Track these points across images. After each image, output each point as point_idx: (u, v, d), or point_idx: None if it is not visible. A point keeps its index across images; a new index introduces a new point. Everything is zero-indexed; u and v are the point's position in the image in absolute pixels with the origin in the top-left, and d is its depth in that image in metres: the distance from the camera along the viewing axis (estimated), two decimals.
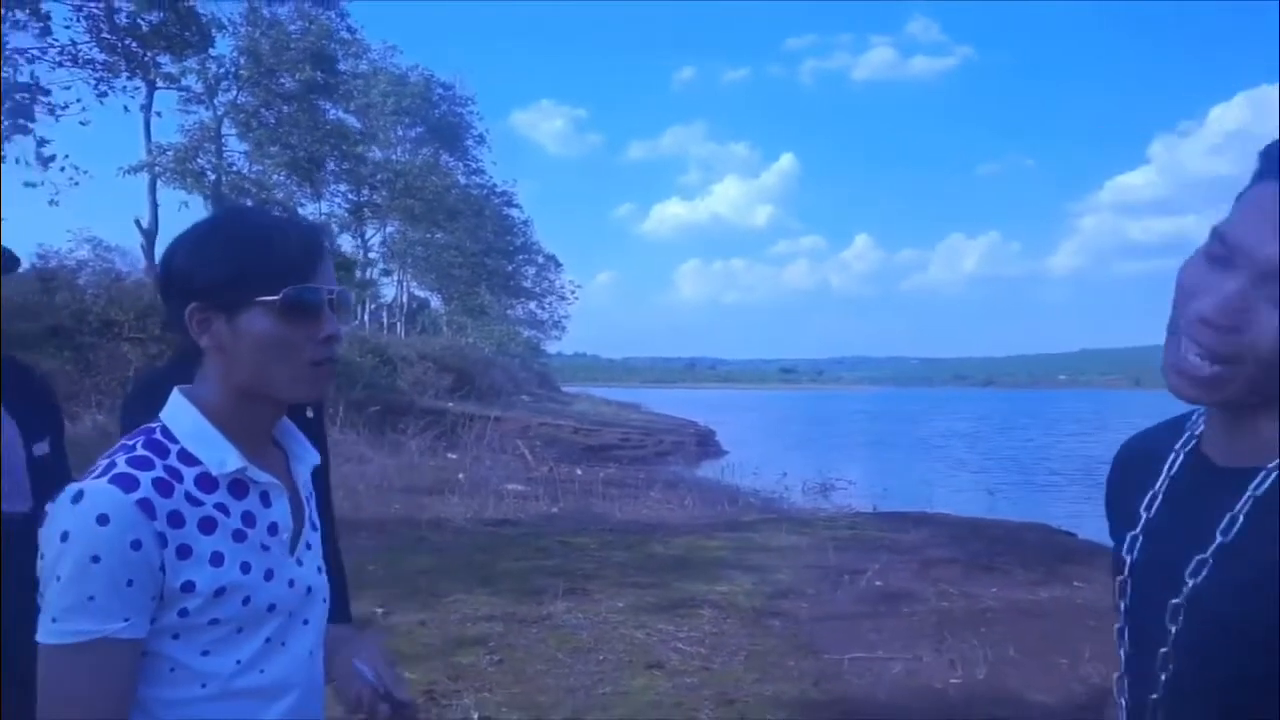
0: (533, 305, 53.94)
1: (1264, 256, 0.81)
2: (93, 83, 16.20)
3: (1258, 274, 0.82)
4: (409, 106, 35.50)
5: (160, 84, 19.65)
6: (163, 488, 0.95)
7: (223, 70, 21.51)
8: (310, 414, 2.00)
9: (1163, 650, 0.94)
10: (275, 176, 24.72)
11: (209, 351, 1.05)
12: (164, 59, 17.97)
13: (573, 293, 54.88)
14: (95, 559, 0.90)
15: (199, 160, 21.90)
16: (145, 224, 20.50)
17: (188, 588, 0.95)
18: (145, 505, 0.92)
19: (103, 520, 0.90)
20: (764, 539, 8.63)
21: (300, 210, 26.70)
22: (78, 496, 0.91)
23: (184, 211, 22.25)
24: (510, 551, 7.33)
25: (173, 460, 0.98)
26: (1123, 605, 1.01)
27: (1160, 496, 0.99)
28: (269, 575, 1.02)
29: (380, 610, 5.26)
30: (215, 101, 22.07)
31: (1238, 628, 0.88)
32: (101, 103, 16.91)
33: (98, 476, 0.94)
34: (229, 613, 0.98)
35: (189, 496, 0.97)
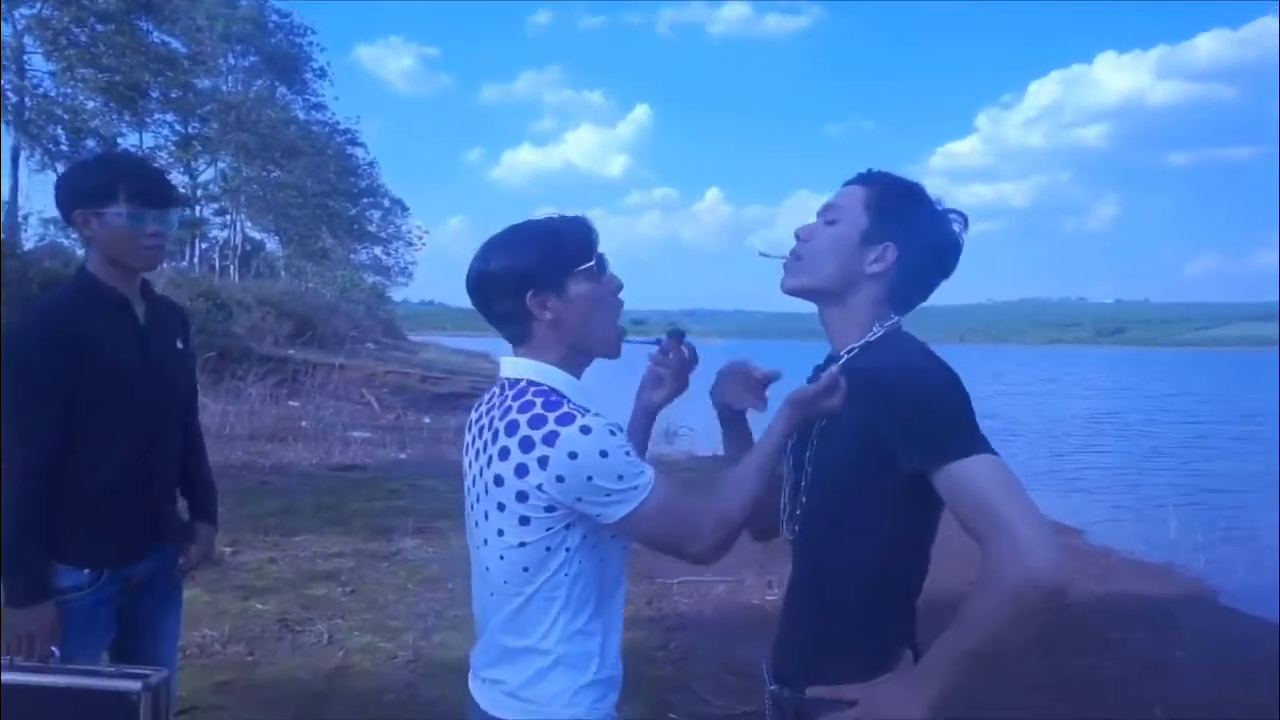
0: (378, 250, 52.09)
1: (836, 200, 1.46)
2: None
3: (827, 210, 1.46)
4: (240, 32, 33.11)
5: None
6: None
7: None
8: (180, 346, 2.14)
9: (802, 484, 1.44)
10: (89, 102, 22.58)
11: (547, 326, 1.37)
12: None
13: (420, 238, 53.32)
14: (605, 454, 1.28)
15: None
16: None
17: None
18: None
19: (614, 432, 1.30)
20: None
21: (121, 141, 24.61)
22: (586, 430, 1.27)
23: None
24: (359, 494, 7.41)
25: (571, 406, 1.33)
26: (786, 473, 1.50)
27: None
28: None
29: (228, 549, 5.29)
30: (15, 14, 19.87)
31: (834, 473, 1.38)
32: None
33: (582, 419, 1.28)
34: None
35: None
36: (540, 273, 1.35)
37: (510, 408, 1.34)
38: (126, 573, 1.98)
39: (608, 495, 1.28)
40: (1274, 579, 6.91)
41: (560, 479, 1.27)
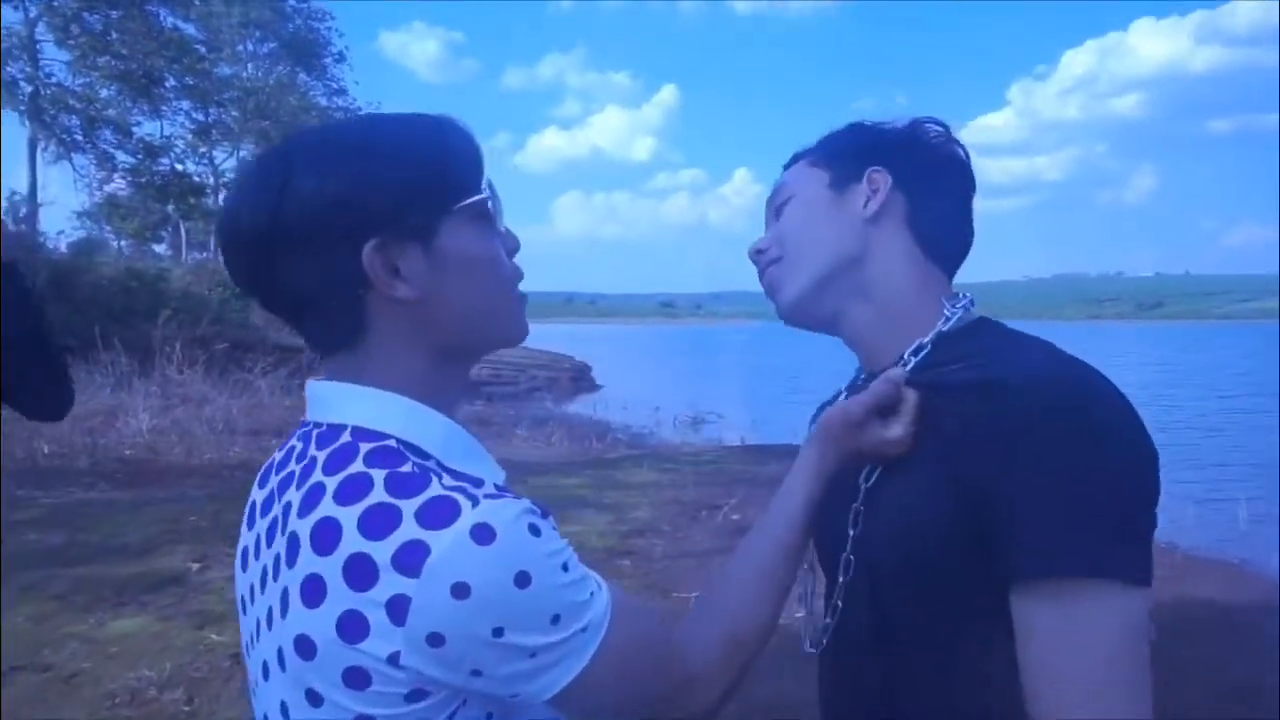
0: None
1: (775, 187, 1.02)
2: None
3: (771, 205, 1.02)
4: (258, 19, 32.83)
5: None
6: None
7: None
8: None
9: (832, 598, 0.92)
10: (104, 91, 22.40)
11: (395, 310, 0.72)
12: None
13: None
14: (524, 579, 0.67)
15: (9, 68, 19.55)
16: None
17: None
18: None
19: (535, 528, 0.70)
20: (625, 476, 8.55)
21: (136, 130, 24.41)
22: (484, 533, 0.64)
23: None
24: None
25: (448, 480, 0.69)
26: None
27: None
28: None
29: (195, 565, 4.82)
30: (26, 2, 19.67)
31: (889, 572, 0.84)
32: None
33: (474, 509, 0.65)
34: None
35: None
36: (395, 204, 0.69)
37: (320, 488, 0.67)
38: None
39: (532, 657, 0.65)
40: None
41: (436, 640, 0.62)
